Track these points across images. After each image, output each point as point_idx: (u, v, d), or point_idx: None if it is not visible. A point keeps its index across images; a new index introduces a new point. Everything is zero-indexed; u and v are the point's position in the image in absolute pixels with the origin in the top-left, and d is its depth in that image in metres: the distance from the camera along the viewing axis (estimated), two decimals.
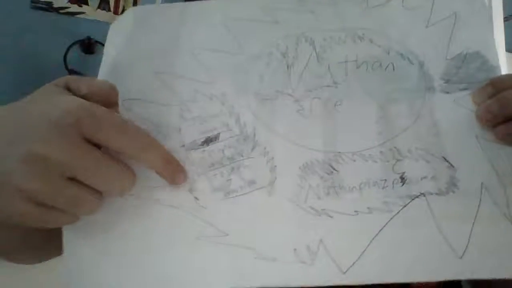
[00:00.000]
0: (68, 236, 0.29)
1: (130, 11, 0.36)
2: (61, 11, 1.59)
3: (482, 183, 0.28)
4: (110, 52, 0.34)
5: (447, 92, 0.30)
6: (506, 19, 1.54)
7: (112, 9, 1.68)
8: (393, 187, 0.28)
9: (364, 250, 0.27)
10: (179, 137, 0.31)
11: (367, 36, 0.32)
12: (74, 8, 1.61)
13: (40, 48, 1.53)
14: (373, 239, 0.27)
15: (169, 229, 0.29)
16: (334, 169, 0.29)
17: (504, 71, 1.46)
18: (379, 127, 0.30)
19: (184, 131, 0.31)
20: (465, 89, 0.30)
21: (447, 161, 0.29)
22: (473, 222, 0.27)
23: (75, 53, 1.56)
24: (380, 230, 0.27)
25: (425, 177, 0.28)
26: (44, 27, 1.55)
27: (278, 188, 0.29)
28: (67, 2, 1.60)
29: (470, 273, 0.26)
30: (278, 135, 0.30)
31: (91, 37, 1.58)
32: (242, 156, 0.30)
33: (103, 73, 0.34)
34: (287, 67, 0.32)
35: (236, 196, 0.29)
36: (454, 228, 0.27)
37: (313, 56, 0.32)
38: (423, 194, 0.28)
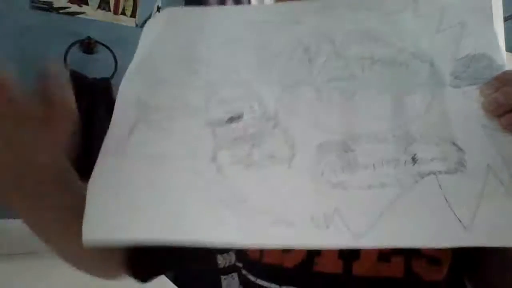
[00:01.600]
0: (92, 189, 0.32)
1: (165, 11, 0.41)
2: (61, 11, 1.59)
3: (488, 165, 0.30)
4: (144, 43, 0.39)
5: (457, 87, 0.33)
6: (506, 19, 1.54)
7: (112, 9, 1.68)
8: (405, 166, 0.30)
9: (377, 219, 0.29)
10: (204, 116, 0.34)
11: (382, 37, 0.34)
12: (74, 8, 1.61)
13: (40, 48, 1.53)
14: (384, 210, 0.29)
15: (189, 191, 0.31)
16: (349, 148, 0.31)
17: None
18: (393, 114, 0.32)
19: (210, 110, 0.34)
20: (473, 84, 0.32)
21: (456, 145, 0.31)
22: (480, 198, 0.29)
23: (75, 53, 1.56)
24: (392, 203, 0.30)
25: (435, 158, 0.31)
26: (44, 27, 1.55)
27: (296, 162, 0.31)
28: (67, 2, 1.60)
29: (474, 242, 0.28)
30: (298, 117, 0.33)
31: (91, 37, 1.58)
32: (263, 133, 0.33)
33: (137, 60, 0.37)
34: (309, 61, 0.34)
35: (257, 168, 0.32)
36: (462, 202, 0.29)
37: (332, 52, 0.34)
38: (433, 173, 0.30)
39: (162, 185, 0.32)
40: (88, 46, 1.57)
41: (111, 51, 1.58)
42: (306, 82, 0.34)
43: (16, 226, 1.51)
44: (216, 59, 0.36)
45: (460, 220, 0.28)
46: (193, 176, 0.32)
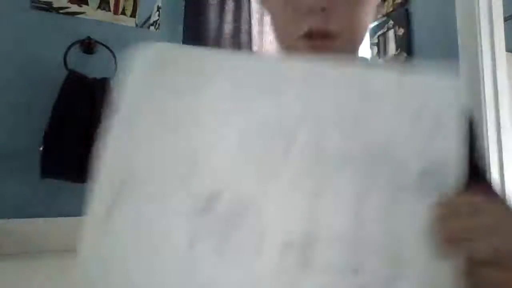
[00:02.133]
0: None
1: (149, 48, 0.38)
2: (61, 11, 1.59)
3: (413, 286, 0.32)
4: (130, 90, 0.37)
5: (416, 193, 0.33)
6: (506, 19, 1.54)
7: (112, 9, 1.68)
8: (350, 273, 0.32)
9: None
10: (184, 191, 0.35)
11: (360, 127, 0.35)
12: (74, 8, 1.61)
13: (40, 48, 1.53)
14: None
15: (168, 281, 0.34)
16: (309, 248, 0.33)
17: (504, 71, 1.45)
18: (353, 216, 0.33)
19: (190, 184, 0.35)
20: (431, 193, 0.33)
21: (396, 261, 0.32)
22: None
23: (75, 53, 1.56)
24: None
25: (374, 270, 0.32)
26: (44, 27, 1.55)
27: (263, 256, 0.33)
28: (67, 2, 1.60)
29: None
30: (268, 211, 0.34)
31: (91, 37, 1.58)
32: (236, 224, 0.34)
33: (122, 107, 0.37)
34: (286, 146, 0.35)
35: (229, 258, 0.33)
36: None
37: (310, 139, 0.35)
38: (369, 286, 0.32)
39: (143, 269, 0.34)
40: (88, 46, 1.58)
41: (111, 51, 1.58)
42: (282, 168, 0.35)
43: (16, 226, 1.51)
44: (198, 122, 0.36)
45: None
46: (170, 262, 0.34)
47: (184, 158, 0.35)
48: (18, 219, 1.42)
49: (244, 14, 1.91)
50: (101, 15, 1.65)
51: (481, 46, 1.35)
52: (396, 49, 1.67)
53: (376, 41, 1.79)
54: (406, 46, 1.62)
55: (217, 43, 1.83)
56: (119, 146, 0.37)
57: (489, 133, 1.32)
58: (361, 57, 0.59)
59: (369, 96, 0.36)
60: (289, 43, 0.54)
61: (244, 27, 1.90)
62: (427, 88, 0.36)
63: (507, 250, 0.31)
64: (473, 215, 0.32)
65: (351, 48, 0.54)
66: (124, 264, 0.34)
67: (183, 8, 1.80)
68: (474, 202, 0.32)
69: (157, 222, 0.35)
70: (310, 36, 0.50)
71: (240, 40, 1.83)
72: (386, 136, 0.35)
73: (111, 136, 0.37)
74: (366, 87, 0.36)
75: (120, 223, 0.35)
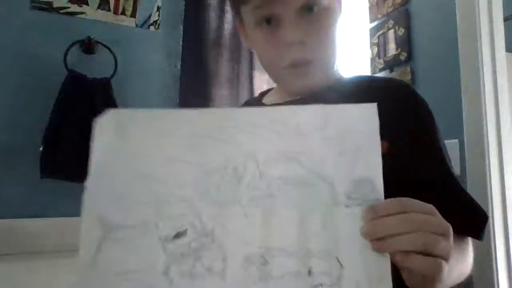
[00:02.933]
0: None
1: (112, 116, 0.45)
2: (61, 11, 1.59)
3: (356, 281, 0.39)
4: (98, 151, 0.44)
5: (348, 207, 0.40)
6: (506, 19, 1.54)
7: (112, 9, 1.68)
8: (303, 277, 0.39)
9: None
10: (157, 232, 0.41)
11: (295, 158, 0.42)
12: (74, 8, 1.61)
13: (40, 48, 1.53)
14: None
15: None
16: (266, 261, 0.40)
17: (504, 71, 1.45)
18: (298, 231, 0.40)
19: (159, 227, 0.41)
20: (360, 205, 0.40)
21: (339, 261, 0.39)
22: None
23: (75, 53, 1.56)
24: None
25: (324, 272, 0.39)
26: (44, 27, 1.55)
27: (228, 274, 0.40)
28: (67, 2, 1.60)
29: None
30: (229, 233, 0.41)
31: (91, 37, 1.58)
32: (203, 248, 0.40)
33: (94, 171, 0.43)
34: (237, 181, 0.42)
35: (199, 280, 0.40)
36: None
37: (256, 172, 0.42)
38: (320, 285, 0.39)
39: None
40: (88, 46, 1.57)
41: (111, 51, 1.58)
42: (235, 200, 0.41)
43: (16, 226, 1.52)
44: (161, 175, 0.43)
45: None
46: None
47: (151, 208, 0.42)
48: (18, 219, 1.42)
49: None
50: (101, 15, 1.65)
51: (481, 46, 1.35)
52: (396, 49, 1.67)
53: (376, 41, 1.79)
54: (406, 46, 1.62)
55: (217, 43, 1.83)
56: (97, 197, 0.42)
57: (489, 133, 1.32)
58: (336, 75, 0.70)
59: (300, 130, 0.43)
60: (276, 73, 0.66)
61: None
62: (347, 115, 0.43)
63: (427, 241, 0.38)
64: (395, 214, 0.39)
65: (327, 68, 0.65)
66: None
67: (183, 8, 1.80)
68: (394, 203, 0.40)
69: (139, 250, 0.41)
70: (293, 65, 0.61)
71: (239, 40, 1.83)
72: (317, 164, 0.42)
73: (90, 186, 0.42)
74: (297, 122, 0.43)
75: (108, 258, 0.41)
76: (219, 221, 0.41)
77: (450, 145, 1.37)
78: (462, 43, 1.40)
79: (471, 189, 1.30)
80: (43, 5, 1.56)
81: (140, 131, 0.44)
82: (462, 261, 0.56)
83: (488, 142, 1.31)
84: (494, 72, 1.36)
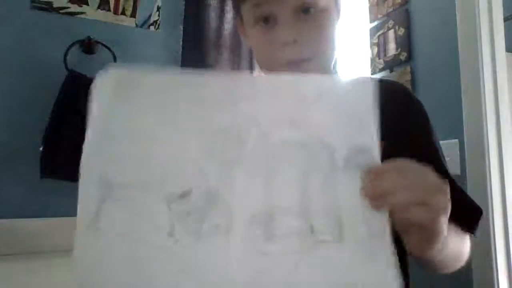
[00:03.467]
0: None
1: (111, 74, 0.44)
2: (61, 11, 1.59)
3: (358, 238, 0.40)
4: (96, 112, 0.43)
5: (347, 170, 0.41)
6: (506, 19, 1.54)
7: (112, 9, 1.68)
8: (306, 235, 0.40)
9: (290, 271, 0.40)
10: (161, 192, 0.40)
11: (299, 123, 0.43)
12: (74, 8, 1.61)
13: (40, 48, 1.53)
14: (290, 274, 0.40)
15: (153, 265, 0.39)
16: (271, 220, 0.40)
17: (504, 71, 1.45)
18: (301, 192, 0.41)
19: (165, 187, 0.40)
20: (357, 169, 0.41)
21: (340, 219, 0.40)
22: (353, 265, 0.40)
23: (75, 53, 1.56)
24: (296, 266, 0.40)
25: (325, 230, 0.40)
26: (44, 27, 1.55)
27: (233, 233, 0.40)
28: (67, 2, 1.60)
29: None
30: (234, 192, 0.41)
31: (91, 37, 1.58)
32: (209, 207, 0.40)
33: (93, 132, 0.42)
34: (241, 143, 0.42)
35: (206, 239, 0.39)
36: (343, 268, 0.40)
37: (259, 136, 0.42)
38: (324, 241, 0.40)
39: (132, 261, 0.40)
40: (88, 46, 1.57)
41: (111, 51, 1.58)
42: (239, 161, 0.41)
43: (16, 226, 1.52)
44: (165, 135, 0.42)
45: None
46: (155, 251, 0.39)
47: (155, 168, 0.41)
48: (18, 219, 1.42)
49: None
50: (101, 15, 1.65)
51: (481, 46, 1.35)
52: (396, 49, 1.67)
53: (376, 41, 1.79)
54: (406, 46, 1.62)
55: (217, 43, 1.83)
56: (98, 158, 0.41)
57: (489, 133, 1.32)
58: (334, 74, 0.71)
59: (301, 97, 0.43)
60: (271, 70, 0.66)
61: None
62: (346, 87, 0.44)
63: (423, 192, 0.40)
64: (392, 174, 0.41)
65: (323, 67, 0.65)
66: (114, 257, 0.40)
67: (183, 8, 1.80)
68: (392, 165, 0.41)
69: (142, 210, 0.40)
70: (288, 65, 0.61)
71: (240, 40, 1.83)
72: (318, 130, 0.42)
73: (89, 147, 0.41)
74: (298, 90, 0.44)
75: (109, 219, 0.40)
76: (224, 181, 0.41)
77: (450, 145, 1.37)
78: (462, 43, 1.40)
79: (471, 189, 1.30)
80: (43, 5, 1.56)
81: (141, 92, 0.43)
82: (460, 239, 0.58)
83: (488, 142, 1.31)
84: (494, 72, 1.36)
